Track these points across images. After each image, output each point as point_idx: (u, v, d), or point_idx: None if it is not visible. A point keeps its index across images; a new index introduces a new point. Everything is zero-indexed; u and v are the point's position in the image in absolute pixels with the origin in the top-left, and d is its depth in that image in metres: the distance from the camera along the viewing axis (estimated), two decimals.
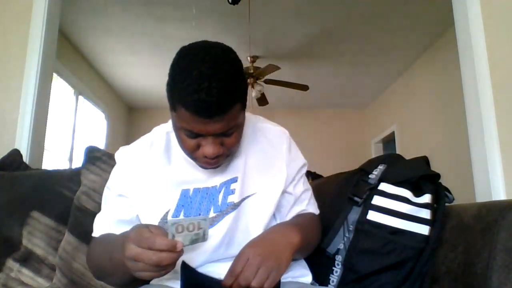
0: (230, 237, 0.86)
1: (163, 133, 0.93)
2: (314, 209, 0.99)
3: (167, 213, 0.86)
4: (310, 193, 0.99)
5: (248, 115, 0.92)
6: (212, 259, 0.86)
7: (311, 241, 0.93)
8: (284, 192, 0.92)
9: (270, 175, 0.91)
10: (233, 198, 0.87)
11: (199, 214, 0.86)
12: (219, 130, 0.75)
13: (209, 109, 0.70)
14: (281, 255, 0.77)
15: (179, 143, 0.82)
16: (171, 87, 0.74)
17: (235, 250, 0.82)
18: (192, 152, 0.80)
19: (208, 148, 0.76)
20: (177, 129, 0.79)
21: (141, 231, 0.67)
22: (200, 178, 0.88)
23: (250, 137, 0.93)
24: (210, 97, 0.69)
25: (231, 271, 0.73)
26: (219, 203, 0.87)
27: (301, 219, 0.94)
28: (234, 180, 0.88)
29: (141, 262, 0.65)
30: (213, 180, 0.88)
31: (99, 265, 0.85)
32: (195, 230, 0.69)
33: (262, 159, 0.92)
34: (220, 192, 0.88)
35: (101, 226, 0.91)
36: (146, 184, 0.87)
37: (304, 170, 0.98)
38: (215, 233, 0.85)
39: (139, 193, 0.88)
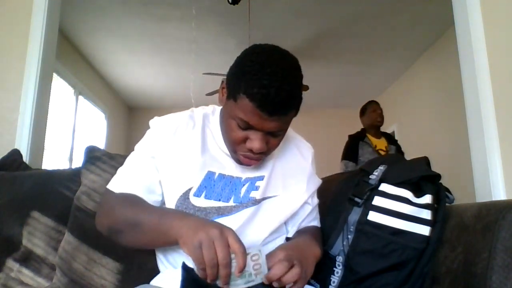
0: (242, 231, 0.86)
1: (202, 115, 0.95)
2: (317, 222, 1.04)
3: (189, 190, 0.87)
4: (317, 207, 1.04)
5: None
6: None
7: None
8: (305, 202, 0.97)
9: (295, 182, 0.96)
10: (255, 194, 0.89)
11: (219, 200, 0.88)
12: (272, 129, 0.79)
13: (274, 107, 0.75)
14: (308, 266, 0.80)
15: (225, 133, 0.86)
16: (238, 76, 0.78)
17: (245, 244, 0.83)
18: (237, 144, 0.83)
19: (257, 143, 0.80)
20: (229, 117, 0.82)
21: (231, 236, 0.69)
22: (228, 166, 0.90)
23: (283, 143, 0.95)
24: (278, 96, 0.74)
25: (276, 270, 0.73)
26: (241, 195, 0.89)
27: (315, 232, 0.98)
28: (261, 178, 0.91)
29: (203, 252, 0.66)
30: (240, 172, 0.91)
31: (135, 221, 0.81)
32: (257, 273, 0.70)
33: (290, 166, 0.97)
34: (244, 185, 0.90)
35: (124, 182, 0.90)
36: (177, 158, 0.89)
37: (318, 185, 1.03)
38: (231, 223, 0.84)
39: (168, 163, 0.88)
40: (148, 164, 0.90)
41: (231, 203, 0.88)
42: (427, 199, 0.98)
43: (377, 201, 0.99)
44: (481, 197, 1.57)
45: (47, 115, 1.95)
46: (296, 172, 0.97)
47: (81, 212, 1.18)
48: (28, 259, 1.20)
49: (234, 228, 0.83)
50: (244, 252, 0.69)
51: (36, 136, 1.79)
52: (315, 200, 1.02)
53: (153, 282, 0.92)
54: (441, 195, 1.00)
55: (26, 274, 1.18)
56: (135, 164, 0.92)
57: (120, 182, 0.90)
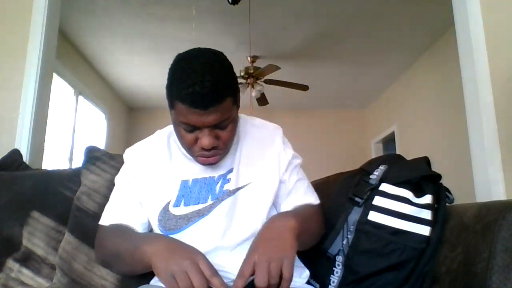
0: (228, 225, 0.88)
1: (165, 135, 1.01)
2: (313, 199, 1.00)
3: (168, 202, 0.92)
4: (306, 183, 1.01)
5: (242, 115, 1.00)
6: (210, 247, 0.87)
7: (312, 228, 0.94)
8: (280, 182, 0.96)
9: (265, 165, 0.96)
10: (228, 186, 0.92)
11: (198, 203, 0.91)
12: (213, 121, 0.81)
13: (203, 100, 0.78)
14: (284, 241, 0.78)
15: (179, 140, 0.89)
16: (169, 87, 0.84)
17: (233, 239, 0.87)
18: (190, 147, 0.87)
19: (205, 139, 0.83)
20: (176, 125, 0.87)
21: (202, 262, 0.74)
22: (199, 170, 0.94)
23: (244, 132, 0.99)
24: (203, 88, 0.77)
25: (240, 273, 0.74)
26: (217, 191, 0.92)
27: (296, 208, 0.96)
28: (230, 171, 0.94)
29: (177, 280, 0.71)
30: (211, 172, 0.94)
31: (117, 252, 0.88)
32: None
33: (256, 151, 0.97)
34: (218, 182, 0.93)
35: (110, 214, 0.96)
36: (150, 177, 0.95)
37: (297, 162, 1.01)
38: (213, 220, 0.89)
39: (143, 184, 0.95)
40: (126, 191, 0.97)
41: (209, 202, 0.91)
42: (427, 199, 0.98)
43: (377, 201, 0.99)
44: (481, 197, 1.57)
45: (47, 115, 1.94)
46: (264, 155, 0.97)
47: (81, 212, 1.18)
48: (28, 259, 1.20)
49: (217, 223, 0.88)
50: (217, 274, 0.73)
51: (36, 136, 1.79)
52: (294, 177, 0.98)
53: (153, 282, 0.93)
54: (441, 195, 1.01)
55: (26, 274, 1.18)
56: (116, 196, 0.99)
57: (107, 215, 0.97)
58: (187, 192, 0.92)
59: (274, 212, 0.97)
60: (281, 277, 0.73)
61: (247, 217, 0.90)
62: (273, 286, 0.71)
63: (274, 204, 0.98)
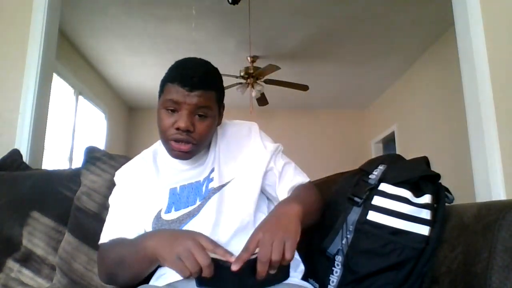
0: (217, 219, 0.91)
1: (150, 153, 1.07)
2: (302, 178, 1.03)
3: (160, 210, 0.96)
4: (292, 165, 1.05)
5: (223, 120, 1.05)
6: None
7: (313, 204, 0.98)
8: (266, 172, 1.00)
9: (245, 160, 1.00)
10: (213, 184, 0.97)
11: (188, 206, 0.95)
12: (195, 103, 0.88)
13: (193, 81, 0.87)
14: (289, 224, 0.80)
15: (158, 127, 0.94)
16: (164, 76, 0.93)
17: (224, 233, 0.90)
18: (167, 130, 0.91)
19: (181, 121, 0.88)
20: (160, 109, 0.93)
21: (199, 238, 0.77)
22: (185, 177, 0.99)
23: (221, 132, 1.04)
24: (196, 72, 0.89)
25: (245, 248, 0.76)
26: (203, 192, 0.97)
27: (293, 192, 0.99)
28: (212, 170, 0.99)
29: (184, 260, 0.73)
30: (197, 176, 0.99)
31: (120, 259, 0.89)
32: None
33: (235, 147, 1.02)
34: (203, 184, 0.98)
35: (108, 232, 0.98)
36: (141, 193, 0.99)
37: (278, 149, 1.05)
38: (203, 218, 0.92)
39: (135, 200, 0.98)
40: (120, 209, 1.00)
41: (197, 203, 0.95)
42: (426, 199, 0.98)
43: (377, 200, 0.99)
44: (481, 197, 1.57)
45: (47, 115, 1.95)
46: (242, 150, 1.01)
47: (81, 212, 1.18)
48: (28, 260, 1.20)
49: (207, 221, 0.91)
50: (219, 246, 0.77)
51: (36, 136, 1.79)
52: (281, 162, 1.02)
53: (153, 282, 0.93)
54: (440, 195, 1.00)
55: (26, 275, 1.18)
56: (111, 215, 1.01)
57: (105, 233, 0.98)
58: (177, 198, 0.97)
59: (264, 203, 1.01)
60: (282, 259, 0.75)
61: (234, 210, 0.94)
62: (275, 263, 0.73)
63: (269, 193, 1.02)
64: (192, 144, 0.91)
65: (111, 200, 1.04)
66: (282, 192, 1.00)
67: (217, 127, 1.01)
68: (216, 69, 0.96)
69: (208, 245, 0.76)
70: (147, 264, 0.84)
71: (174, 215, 0.95)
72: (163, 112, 0.92)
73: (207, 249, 0.75)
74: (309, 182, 1.05)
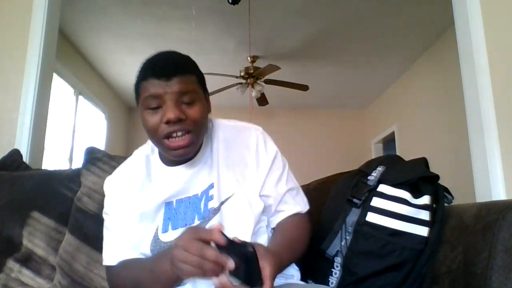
0: None
1: (143, 156, 0.98)
2: (302, 206, 0.95)
3: (156, 230, 0.89)
4: (295, 192, 0.96)
5: (220, 120, 0.97)
6: None
7: (296, 248, 0.90)
8: (265, 195, 0.91)
9: (245, 174, 0.91)
10: (212, 204, 0.88)
11: (186, 225, 0.88)
12: (177, 90, 0.81)
13: (167, 69, 0.81)
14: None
15: (146, 130, 0.85)
16: (135, 81, 0.87)
17: None
18: (156, 130, 0.83)
19: (169, 112, 0.80)
20: (142, 111, 0.85)
21: (194, 232, 0.69)
22: (181, 189, 0.90)
23: (222, 141, 0.94)
24: (166, 61, 0.84)
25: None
26: (202, 210, 0.89)
27: (279, 235, 0.91)
28: (211, 186, 0.90)
29: (188, 265, 0.66)
30: (193, 189, 0.90)
31: (136, 281, 0.85)
32: None
33: (235, 161, 0.92)
34: (201, 200, 0.90)
35: (113, 253, 0.92)
36: (133, 205, 0.91)
37: (278, 162, 0.95)
38: None
39: (128, 215, 0.91)
40: (116, 225, 0.93)
41: (196, 222, 0.88)
42: (425, 200, 0.98)
43: (376, 202, 0.99)
44: (481, 197, 1.57)
45: (47, 115, 1.95)
46: (244, 163, 0.92)
47: (82, 213, 1.18)
48: (28, 260, 1.20)
49: None
50: (213, 230, 0.68)
51: (36, 136, 1.79)
52: (283, 187, 0.93)
53: None
54: (439, 195, 1.01)
55: (27, 275, 1.18)
56: (109, 233, 0.95)
57: (110, 255, 0.93)
58: (173, 214, 0.90)
59: (263, 221, 0.92)
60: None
61: (236, 231, 0.84)
62: None
63: (265, 214, 0.93)
64: (189, 133, 0.83)
65: (105, 213, 0.97)
66: (275, 219, 0.93)
67: (209, 116, 0.92)
68: (187, 56, 0.88)
69: (205, 235, 0.68)
70: (169, 283, 0.80)
71: (172, 235, 0.88)
72: (146, 114, 0.83)
73: (204, 239, 0.67)
74: (307, 212, 0.96)
